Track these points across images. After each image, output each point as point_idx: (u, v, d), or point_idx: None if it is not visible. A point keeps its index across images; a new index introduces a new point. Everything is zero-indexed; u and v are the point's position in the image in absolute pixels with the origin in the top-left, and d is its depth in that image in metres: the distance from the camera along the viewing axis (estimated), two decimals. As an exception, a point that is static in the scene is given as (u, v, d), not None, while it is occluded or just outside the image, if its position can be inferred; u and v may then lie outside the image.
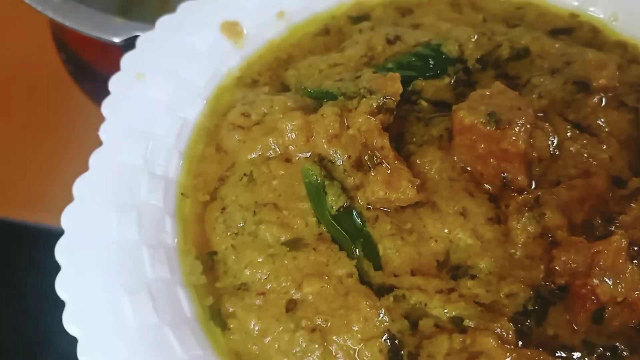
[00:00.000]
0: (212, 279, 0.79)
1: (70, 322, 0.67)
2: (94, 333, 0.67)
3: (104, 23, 1.11)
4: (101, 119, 0.80)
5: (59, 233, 0.72)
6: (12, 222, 1.12)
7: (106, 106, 0.84)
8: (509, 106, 0.81)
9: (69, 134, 1.13)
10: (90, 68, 1.32)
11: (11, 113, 1.28)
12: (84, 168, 0.77)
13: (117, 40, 1.10)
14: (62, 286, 0.70)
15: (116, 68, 0.86)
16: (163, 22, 0.92)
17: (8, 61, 1.36)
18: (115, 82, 0.86)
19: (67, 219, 0.74)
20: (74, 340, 0.66)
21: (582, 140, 0.86)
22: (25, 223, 1.11)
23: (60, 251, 0.72)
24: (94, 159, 0.79)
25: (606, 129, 0.88)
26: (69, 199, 0.74)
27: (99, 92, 0.85)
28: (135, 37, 1.03)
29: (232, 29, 0.95)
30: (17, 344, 0.72)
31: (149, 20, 1.02)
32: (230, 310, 0.75)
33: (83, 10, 1.13)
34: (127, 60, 0.88)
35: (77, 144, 1.04)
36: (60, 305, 0.67)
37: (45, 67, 1.34)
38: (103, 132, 0.82)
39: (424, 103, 0.92)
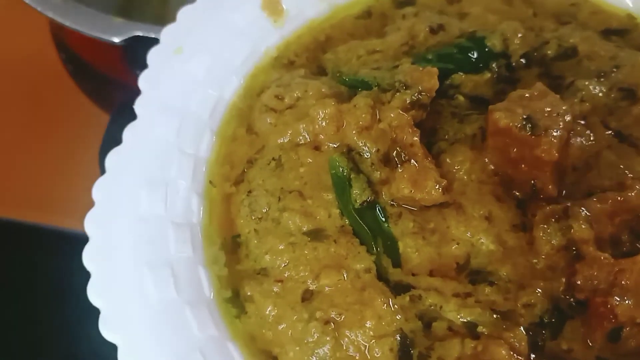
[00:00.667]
0: (234, 261, 0.80)
1: (94, 294, 0.70)
2: (116, 306, 0.70)
3: (104, 23, 1.11)
4: (101, 118, 0.81)
5: (59, 233, 0.73)
6: (11, 222, 1.12)
7: (143, 79, 0.84)
8: (548, 111, 0.79)
9: (69, 134, 1.15)
10: (90, 68, 1.32)
11: (11, 113, 1.29)
12: (84, 167, 0.78)
13: (117, 40, 1.09)
14: (89, 257, 0.73)
15: (116, 68, 0.86)
16: (204, -4, 0.91)
17: (8, 61, 1.37)
18: (153, 55, 0.86)
19: (98, 191, 0.77)
20: (75, 341, 0.68)
21: (620, 150, 0.83)
22: (24, 223, 1.11)
23: (90, 222, 0.74)
24: (128, 133, 0.81)
25: (648, 141, 0.85)
26: (69, 198, 0.75)
27: (99, 92, 0.85)
28: (135, 37, 1.05)
29: (273, 7, 0.94)
30: (16, 344, 0.74)
31: (149, 20, 1.03)
32: (249, 294, 0.77)
33: (83, 10, 1.12)
34: (166, 33, 0.88)
35: (77, 143, 1.07)
36: (59, 305, 0.69)
37: (45, 67, 1.35)
38: (138, 106, 0.83)
39: (461, 98, 0.89)
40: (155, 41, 0.88)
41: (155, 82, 0.84)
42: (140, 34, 1.04)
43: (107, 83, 0.82)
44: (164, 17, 1.01)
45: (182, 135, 0.83)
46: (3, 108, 1.30)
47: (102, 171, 0.77)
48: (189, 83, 0.86)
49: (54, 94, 1.09)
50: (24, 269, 0.96)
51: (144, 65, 0.85)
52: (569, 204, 0.76)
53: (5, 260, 1.05)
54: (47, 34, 1.38)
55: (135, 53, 0.97)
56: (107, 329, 0.68)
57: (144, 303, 0.71)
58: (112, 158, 0.78)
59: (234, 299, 0.78)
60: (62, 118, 0.94)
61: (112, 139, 0.80)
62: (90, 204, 0.75)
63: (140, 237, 0.75)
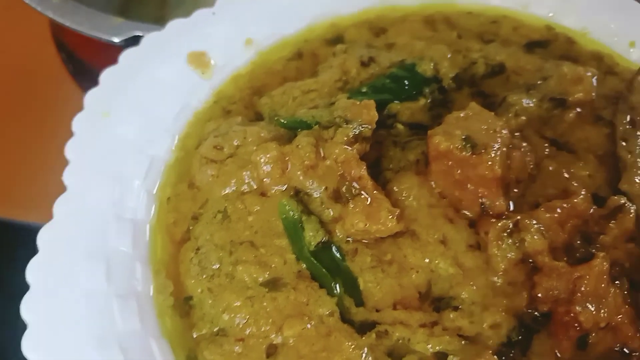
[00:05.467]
0: (188, 326, 0.76)
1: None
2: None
3: (104, 23, 1.11)
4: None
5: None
6: (11, 222, 1.11)
7: (70, 148, 0.80)
8: (485, 129, 0.80)
9: (69, 134, 1.14)
10: (90, 68, 1.31)
11: (11, 113, 1.28)
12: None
13: (117, 40, 1.09)
14: (29, 346, 0.67)
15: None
16: (127, 55, 0.89)
17: (8, 61, 1.36)
18: (79, 122, 0.83)
19: (32, 273, 0.71)
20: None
21: (560, 158, 0.86)
22: (24, 223, 1.10)
23: (26, 308, 0.69)
24: (58, 207, 0.76)
25: (583, 145, 0.88)
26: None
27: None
28: (135, 37, 1.03)
29: (199, 60, 0.93)
30: (15, 344, 0.70)
31: (149, 20, 1.03)
32: (209, 358, 0.72)
33: (83, 10, 1.13)
34: (91, 98, 0.85)
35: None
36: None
37: (45, 67, 1.34)
38: (67, 177, 0.79)
39: (400, 126, 0.90)
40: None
41: (83, 150, 0.81)
42: (140, 34, 1.02)
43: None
44: (164, 17, 1.02)
45: (117, 202, 0.79)
46: (3, 108, 1.29)
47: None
48: (120, 147, 0.83)
49: (54, 93, 1.07)
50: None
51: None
52: (518, 217, 0.77)
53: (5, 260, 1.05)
54: (47, 34, 1.38)
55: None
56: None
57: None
58: (45, 235, 0.74)
59: (194, 365, 0.74)
60: (62, 118, 0.92)
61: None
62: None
63: (83, 316, 0.70)
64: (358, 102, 0.83)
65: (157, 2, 1.29)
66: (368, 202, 0.77)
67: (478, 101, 0.92)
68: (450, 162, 0.79)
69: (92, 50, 1.28)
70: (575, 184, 0.82)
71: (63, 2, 1.13)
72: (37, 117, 1.25)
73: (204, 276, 0.78)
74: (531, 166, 0.83)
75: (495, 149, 0.77)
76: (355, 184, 0.78)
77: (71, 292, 0.71)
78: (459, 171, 0.78)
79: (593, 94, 0.90)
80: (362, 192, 0.78)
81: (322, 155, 0.81)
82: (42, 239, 0.73)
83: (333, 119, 0.83)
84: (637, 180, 0.83)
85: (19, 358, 0.67)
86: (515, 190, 0.82)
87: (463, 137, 0.78)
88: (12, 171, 1.18)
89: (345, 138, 0.80)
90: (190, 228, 0.83)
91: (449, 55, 0.94)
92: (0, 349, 0.96)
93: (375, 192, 0.78)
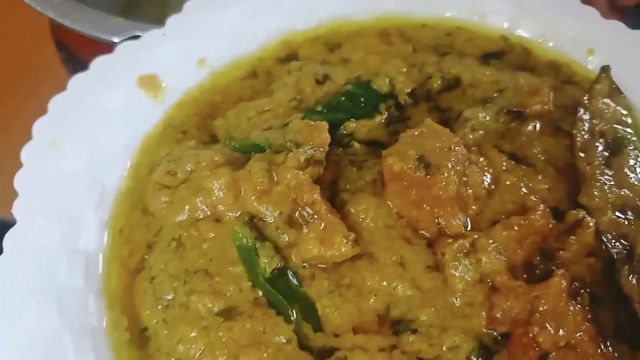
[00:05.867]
0: (145, 358, 0.75)
1: None
2: None
3: (104, 23, 1.11)
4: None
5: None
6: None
7: (18, 181, 0.78)
8: (439, 147, 0.79)
9: None
10: None
11: (11, 113, 1.27)
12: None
13: (117, 40, 1.09)
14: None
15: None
16: (76, 81, 0.87)
17: (8, 61, 1.36)
18: (27, 153, 0.81)
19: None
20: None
21: (518, 171, 0.85)
22: None
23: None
24: (7, 242, 0.74)
25: (542, 158, 0.87)
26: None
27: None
28: (135, 37, 1.01)
29: (150, 83, 0.90)
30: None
31: (149, 20, 1.02)
32: (165, 392, 0.72)
33: (83, 10, 1.13)
34: (38, 127, 0.83)
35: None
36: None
37: (45, 67, 1.34)
38: (16, 211, 0.77)
39: (357, 145, 0.89)
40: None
41: (32, 182, 0.78)
42: (140, 34, 1.00)
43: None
44: (164, 17, 1.00)
45: (67, 235, 0.77)
46: (2, 108, 1.29)
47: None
48: (69, 177, 0.81)
49: (54, 93, 1.05)
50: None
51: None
52: (475, 237, 0.76)
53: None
54: (47, 34, 1.38)
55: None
56: None
57: None
58: (-7, 271, 0.72)
59: (150, 400, 0.72)
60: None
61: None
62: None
63: (33, 356, 0.68)
64: (311, 124, 0.82)
65: (158, 2, 1.29)
66: (322, 227, 0.76)
67: (435, 116, 0.91)
68: (405, 183, 0.78)
69: (92, 50, 1.26)
70: (534, 199, 0.81)
71: (63, 2, 1.13)
72: (37, 116, 1.25)
73: (159, 307, 0.76)
74: (488, 181, 0.83)
75: (449, 168, 0.76)
76: (308, 209, 0.77)
77: (20, 331, 0.69)
78: (414, 191, 0.77)
79: (550, 104, 0.90)
80: (316, 217, 0.77)
81: (275, 179, 0.79)
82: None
83: (285, 143, 0.81)
84: (596, 193, 0.83)
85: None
86: (474, 207, 0.81)
87: (417, 157, 0.77)
88: (12, 171, 1.17)
89: (297, 162, 0.78)
90: (145, 257, 0.81)
91: (404, 70, 0.93)
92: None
93: (329, 215, 0.77)
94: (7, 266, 0.73)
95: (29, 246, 0.75)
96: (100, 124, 0.86)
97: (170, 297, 0.76)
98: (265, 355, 0.71)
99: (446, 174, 0.75)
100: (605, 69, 0.93)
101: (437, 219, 0.78)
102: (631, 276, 0.76)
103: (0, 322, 0.70)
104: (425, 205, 0.78)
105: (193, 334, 0.73)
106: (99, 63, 0.89)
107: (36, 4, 1.13)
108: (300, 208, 0.78)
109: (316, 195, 0.78)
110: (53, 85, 0.87)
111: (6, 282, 0.72)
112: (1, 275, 0.73)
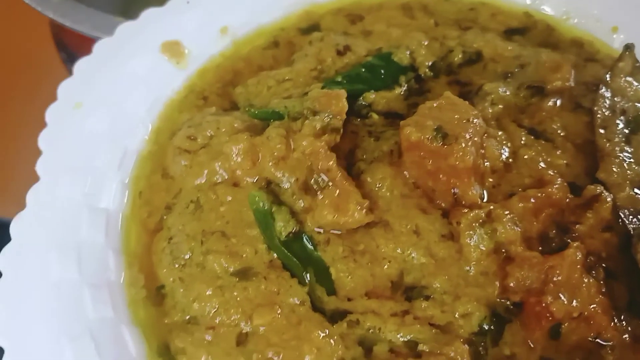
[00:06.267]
0: (160, 314, 0.76)
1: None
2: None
3: (104, 23, 1.11)
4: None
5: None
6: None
7: (43, 139, 0.80)
8: (457, 118, 0.79)
9: None
10: None
11: (11, 113, 1.29)
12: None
13: None
14: (1, 333, 0.68)
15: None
16: (101, 46, 0.88)
17: (8, 61, 1.37)
18: (52, 113, 0.83)
19: (4, 261, 0.72)
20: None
21: (537, 146, 0.84)
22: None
23: (-2, 297, 0.69)
24: (31, 196, 0.76)
25: (562, 134, 0.87)
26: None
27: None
28: None
29: (173, 49, 0.92)
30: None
31: None
32: (180, 346, 0.73)
33: (83, 10, 1.13)
34: (64, 89, 0.85)
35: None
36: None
37: (45, 67, 1.35)
38: (40, 168, 0.78)
39: (375, 116, 0.89)
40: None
41: (56, 141, 0.80)
42: None
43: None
44: None
45: (90, 192, 0.79)
46: (3, 108, 1.30)
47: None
48: (92, 138, 0.83)
49: (54, 93, 1.08)
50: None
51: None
52: (491, 207, 0.76)
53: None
54: (47, 34, 1.38)
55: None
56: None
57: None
58: (17, 225, 0.74)
59: (165, 353, 0.74)
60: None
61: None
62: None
63: (54, 305, 0.70)
64: (329, 92, 0.82)
65: (157, 2, 1.29)
66: (337, 194, 0.76)
67: (455, 89, 0.91)
68: (422, 153, 0.78)
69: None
70: (551, 173, 0.81)
71: (63, 2, 1.13)
72: (38, 117, 1.26)
73: (176, 265, 0.78)
74: (507, 155, 0.83)
75: (466, 139, 0.76)
76: (323, 176, 0.78)
77: (42, 281, 0.71)
78: (431, 162, 0.78)
79: (571, 81, 0.89)
80: (330, 184, 0.77)
81: (292, 146, 0.80)
82: (14, 227, 0.74)
83: (302, 110, 0.82)
84: (615, 169, 0.82)
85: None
86: (491, 179, 0.81)
87: (434, 127, 0.77)
88: (12, 171, 1.19)
89: (313, 130, 0.79)
90: (164, 218, 0.83)
91: (425, 43, 0.93)
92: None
93: (344, 183, 0.77)
94: (30, 219, 0.75)
95: (51, 201, 0.77)
96: (124, 88, 0.88)
97: (187, 256, 0.78)
98: (278, 315, 0.73)
99: (463, 144, 0.76)
100: (629, 47, 0.92)
101: (453, 189, 0.78)
102: (647, 252, 0.75)
103: (22, 272, 0.72)
104: (441, 176, 0.78)
105: (208, 292, 0.75)
106: (123, 29, 0.91)
107: (36, 4, 1.13)
108: (315, 175, 0.79)
109: (332, 162, 0.78)
110: (53, 85, 0.89)
111: (29, 234, 0.74)
112: (24, 228, 0.75)
